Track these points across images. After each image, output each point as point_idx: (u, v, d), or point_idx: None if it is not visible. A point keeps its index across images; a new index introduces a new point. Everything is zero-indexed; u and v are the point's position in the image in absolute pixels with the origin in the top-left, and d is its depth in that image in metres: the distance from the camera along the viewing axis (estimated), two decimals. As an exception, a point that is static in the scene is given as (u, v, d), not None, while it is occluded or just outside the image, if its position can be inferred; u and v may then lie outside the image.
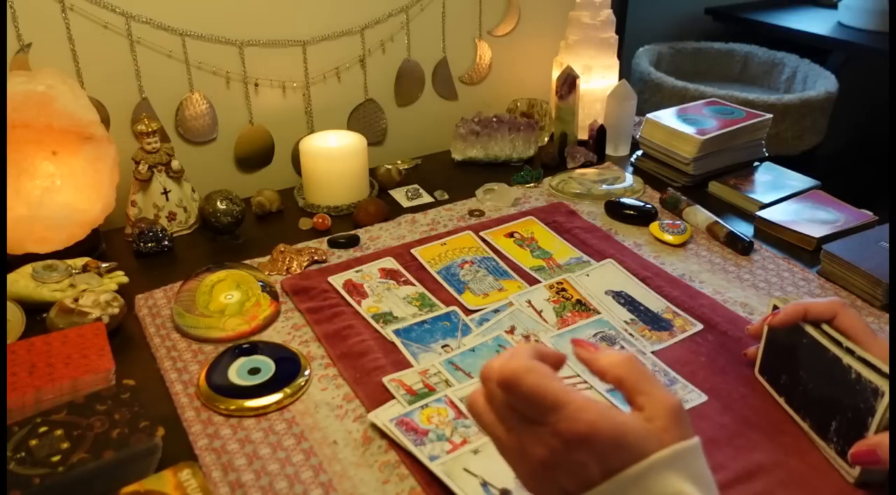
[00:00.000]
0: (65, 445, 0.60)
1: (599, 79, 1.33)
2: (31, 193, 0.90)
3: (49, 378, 0.68)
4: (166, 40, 1.06)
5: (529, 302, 0.87)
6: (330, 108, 1.23)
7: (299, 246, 0.99)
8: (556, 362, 0.49)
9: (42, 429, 0.62)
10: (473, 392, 0.50)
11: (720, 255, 0.98)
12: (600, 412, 0.44)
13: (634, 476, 0.43)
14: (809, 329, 0.67)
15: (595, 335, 0.81)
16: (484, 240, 1.01)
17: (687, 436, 0.46)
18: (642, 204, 1.07)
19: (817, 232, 0.98)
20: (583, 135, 1.32)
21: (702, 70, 2.30)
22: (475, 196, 1.14)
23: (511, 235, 1.02)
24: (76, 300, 0.81)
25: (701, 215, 1.04)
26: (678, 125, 1.17)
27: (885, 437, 0.58)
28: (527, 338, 0.81)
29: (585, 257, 0.97)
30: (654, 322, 0.84)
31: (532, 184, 1.18)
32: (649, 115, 1.21)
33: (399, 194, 1.16)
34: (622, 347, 0.79)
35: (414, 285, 0.91)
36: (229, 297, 0.85)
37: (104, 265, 0.90)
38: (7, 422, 0.62)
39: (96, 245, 0.98)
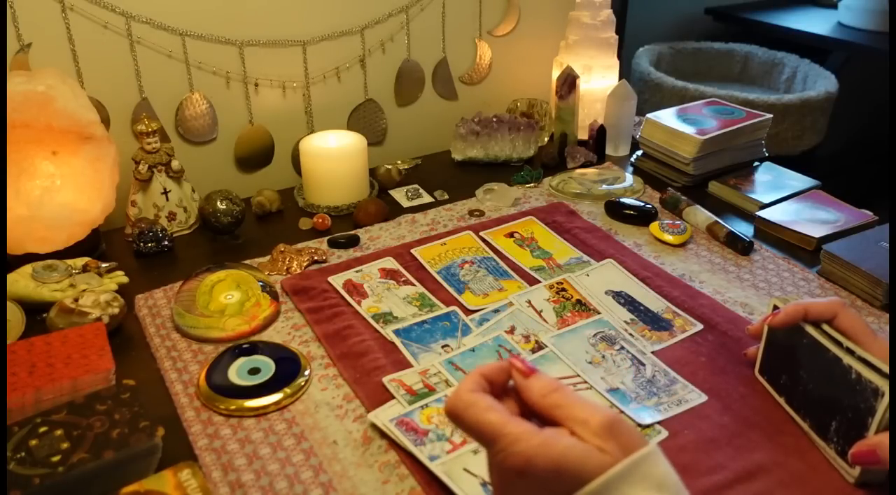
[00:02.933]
0: (65, 445, 0.60)
1: (599, 79, 1.33)
2: (31, 193, 0.90)
3: (49, 378, 0.68)
4: (166, 40, 1.06)
5: (529, 302, 0.87)
6: (330, 108, 1.23)
7: (299, 246, 0.99)
8: (504, 380, 0.50)
9: (42, 429, 0.62)
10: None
11: (720, 255, 0.98)
12: (537, 443, 0.44)
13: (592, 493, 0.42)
14: (809, 329, 0.67)
15: (595, 335, 0.81)
16: (484, 240, 1.01)
17: (632, 445, 0.44)
18: (642, 204, 1.07)
19: (817, 232, 0.98)
20: (583, 135, 1.31)
21: (702, 70, 2.30)
22: (475, 196, 1.14)
23: (511, 235, 1.02)
24: (76, 300, 0.81)
25: (701, 215, 1.04)
26: (678, 125, 1.17)
27: (885, 437, 0.58)
28: (527, 338, 0.81)
29: (585, 257, 0.97)
30: (654, 322, 0.84)
31: (532, 184, 1.18)
32: (649, 115, 1.21)
33: (399, 194, 1.16)
34: (622, 347, 0.79)
35: (414, 285, 0.91)
36: (229, 297, 0.85)
37: (104, 265, 0.89)
38: (7, 422, 0.62)
39: (96, 245, 0.98)
